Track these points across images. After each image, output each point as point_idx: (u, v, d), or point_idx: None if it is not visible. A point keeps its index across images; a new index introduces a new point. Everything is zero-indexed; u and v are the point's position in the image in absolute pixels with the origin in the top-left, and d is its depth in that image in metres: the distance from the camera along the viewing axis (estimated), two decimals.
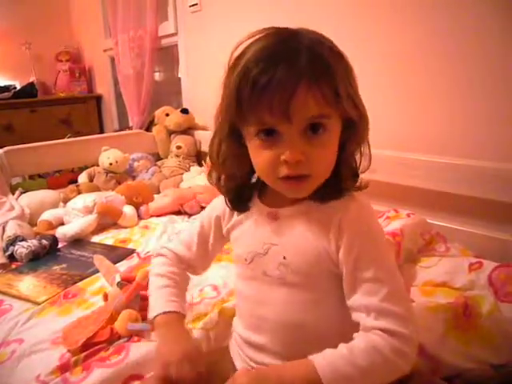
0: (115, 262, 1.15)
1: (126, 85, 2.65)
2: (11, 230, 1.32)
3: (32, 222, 1.48)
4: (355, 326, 0.53)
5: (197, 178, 1.85)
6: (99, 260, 1.13)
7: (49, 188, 1.82)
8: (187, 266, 0.73)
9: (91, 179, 1.89)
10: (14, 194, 1.70)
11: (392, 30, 1.25)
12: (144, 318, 0.84)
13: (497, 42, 1.03)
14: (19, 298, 1.02)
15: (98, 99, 3.34)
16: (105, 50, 3.04)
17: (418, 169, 1.15)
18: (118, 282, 0.92)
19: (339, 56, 0.55)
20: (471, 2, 1.07)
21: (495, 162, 1.02)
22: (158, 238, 1.34)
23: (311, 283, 0.58)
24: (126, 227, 1.46)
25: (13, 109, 2.95)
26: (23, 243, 1.24)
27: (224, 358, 0.69)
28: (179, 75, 2.43)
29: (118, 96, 2.95)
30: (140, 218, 1.54)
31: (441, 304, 0.76)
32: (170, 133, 2.17)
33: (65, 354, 0.78)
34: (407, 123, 1.27)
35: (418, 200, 1.19)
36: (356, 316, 0.54)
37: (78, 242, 1.35)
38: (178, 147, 2.07)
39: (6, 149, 1.83)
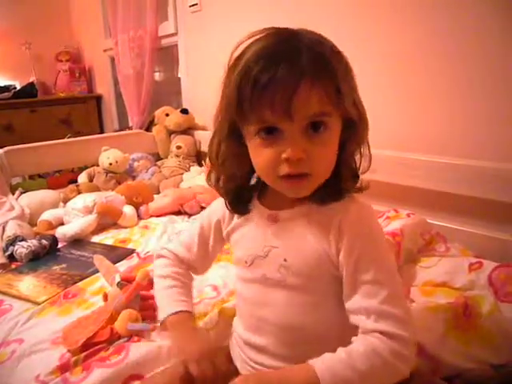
0: (115, 262, 1.15)
1: (126, 85, 2.65)
2: (11, 229, 1.32)
3: (32, 222, 1.48)
4: (355, 329, 0.53)
5: (197, 178, 1.85)
6: (99, 260, 1.13)
7: (49, 188, 1.82)
8: (188, 267, 0.74)
9: (91, 179, 1.89)
10: (13, 194, 1.70)
11: (392, 30, 1.25)
12: (144, 318, 0.85)
13: (497, 42, 1.03)
14: (19, 298, 1.02)
15: (98, 99, 3.34)
16: (105, 50, 3.04)
17: (418, 169, 1.15)
18: (118, 282, 0.92)
19: (339, 55, 0.55)
20: (471, 2, 1.07)
21: (495, 162, 1.02)
22: (157, 238, 1.34)
23: (311, 285, 0.58)
24: (125, 227, 1.46)
25: (13, 109, 2.95)
26: (23, 243, 1.24)
27: (224, 358, 0.69)
28: (179, 75, 2.43)
29: (118, 96, 2.95)
30: (140, 218, 1.54)
31: (441, 304, 0.76)
32: (170, 133, 2.17)
33: (65, 354, 0.78)
34: (407, 123, 1.27)
35: (418, 200, 1.19)
36: (355, 319, 0.53)
37: (77, 242, 1.35)
38: (178, 147, 2.07)
39: (6, 149, 1.83)
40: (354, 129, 0.57)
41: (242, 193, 0.64)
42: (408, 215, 1.06)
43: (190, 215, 1.55)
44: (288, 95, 0.50)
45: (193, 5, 2.07)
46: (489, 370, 0.69)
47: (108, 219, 1.46)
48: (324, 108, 0.52)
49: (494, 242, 1.02)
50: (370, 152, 0.60)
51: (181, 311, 0.66)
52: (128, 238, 1.37)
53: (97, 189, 1.77)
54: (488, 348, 0.70)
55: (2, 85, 3.07)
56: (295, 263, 0.58)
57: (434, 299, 0.81)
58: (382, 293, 0.52)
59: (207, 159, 0.64)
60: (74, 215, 1.44)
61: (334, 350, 0.51)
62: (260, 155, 0.55)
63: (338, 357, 0.50)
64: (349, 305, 0.54)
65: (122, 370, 0.70)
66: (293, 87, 0.50)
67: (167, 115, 2.19)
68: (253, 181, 0.64)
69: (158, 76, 2.80)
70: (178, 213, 1.58)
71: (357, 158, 0.59)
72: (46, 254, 1.25)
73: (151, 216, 1.55)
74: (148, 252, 1.23)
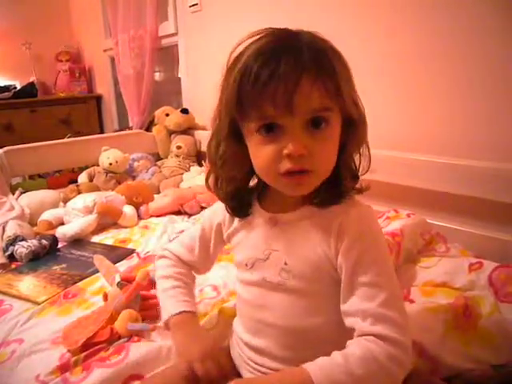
0: (115, 262, 1.15)
1: (126, 85, 2.65)
2: (11, 229, 1.32)
3: (32, 222, 1.48)
4: (353, 332, 0.53)
5: (197, 177, 1.85)
6: (99, 260, 1.13)
7: (49, 188, 1.82)
8: (190, 268, 0.74)
9: (91, 179, 1.89)
10: (14, 193, 1.70)
11: (392, 30, 1.25)
12: (144, 318, 0.85)
13: (497, 42, 1.03)
14: (19, 297, 1.02)
15: (98, 99, 3.33)
16: (105, 50, 3.04)
17: (418, 169, 1.15)
18: (118, 282, 0.92)
19: (338, 55, 0.55)
20: (471, 2, 1.07)
21: (495, 162, 1.02)
22: (157, 238, 1.33)
23: (312, 289, 0.58)
24: (125, 227, 1.46)
25: (13, 109, 2.95)
26: (23, 243, 1.24)
27: (227, 358, 0.69)
28: (179, 75, 2.43)
29: (118, 96, 2.95)
30: (140, 217, 1.54)
31: (441, 304, 0.76)
32: (170, 133, 2.17)
33: (65, 354, 0.78)
34: (407, 123, 1.27)
35: (418, 200, 1.19)
36: (351, 321, 0.53)
37: (77, 241, 1.35)
38: (178, 147, 2.07)
39: (5, 149, 1.83)
40: (353, 128, 0.57)
41: (241, 196, 0.64)
42: (408, 215, 1.06)
43: (190, 215, 1.55)
44: (290, 89, 0.50)
45: (193, 5, 2.08)
46: (489, 370, 0.69)
47: (108, 219, 1.46)
48: (325, 103, 0.52)
49: (493, 242, 1.02)
50: (369, 152, 0.59)
51: (184, 311, 0.66)
52: (128, 238, 1.37)
53: (97, 189, 1.77)
54: (488, 348, 0.70)
55: (2, 85, 3.07)
56: (296, 266, 0.58)
57: (434, 299, 0.81)
58: (381, 295, 0.51)
59: (207, 161, 0.64)
60: (74, 215, 1.44)
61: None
62: (260, 152, 0.55)
63: (334, 360, 0.49)
64: (345, 307, 0.54)
65: (122, 370, 0.70)
66: (294, 81, 0.50)
67: (167, 115, 2.18)
68: (252, 182, 0.64)
69: (158, 76, 2.80)
70: (178, 213, 1.57)
71: (356, 158, 0.59)
72: (46, 254, 1.25)
73: (151, 216, 1.55)
74: (148, 252, 1.23)
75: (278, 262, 0.59)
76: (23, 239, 1.27)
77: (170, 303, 0.68)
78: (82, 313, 0.91)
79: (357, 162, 0.60)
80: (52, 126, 2.99)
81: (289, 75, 0.50)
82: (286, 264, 0.58)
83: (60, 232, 1.36)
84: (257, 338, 0.62)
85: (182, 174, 1.97)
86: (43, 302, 0.99)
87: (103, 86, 3.25)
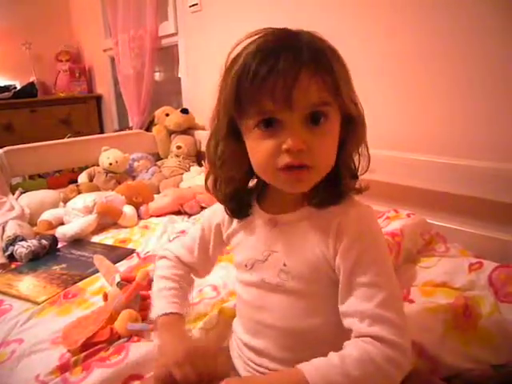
0: (115, 262, 1.15)
1: (126, 85, 2.65)
2: (11, 229, 1.32)
3: (32, 222, 1.48)
4: (351, 332, 0.52)
5: (197, 177, 1.85)
6: (99, 260, 1.13)
7: (49, 188, 1.82)
8: (189, 270, 0.74)
9: (91, 179, 1.89)
10: (13, 193, 1.70)
11: (392, 30, 1.25)
12: (144, 318, 0.85)
13: (497, 42, 1.03)
14: (19, 297, 1.02)
15: (98, 99, 3.34)
16: (105, 50, 3.04)
17: (418, 169, 1.15)
18: (118, 282, 0.92)
19: (338, 55, 0.55)
20: (471, 2, 1.07)
21: (495, 162, 1.02)
22: (157, 238, 1.34)
23: (310, 290, 0.58)
24: (125, 227, 1.46)
25: (13, 109, 2.95)
26: (23, 243, 1.24)
27: (223, 358, 0.69)
28: (179, 75, 2.43)
29: (118, 96, 2.95)
30: (140, 217, 1.54)
31: (441, 304, 0.76)
32: (170, 133, 2.17)
33: (65, 354, 0.78)
34: (407, 123, 1.27)
35: (418, 200, 1.19)
36: (349, 322, 0.52)
37: (77, 241, 1.35)
38: (178, 147, 2.07)
39: (5, 149, 1.83)
40: (353, 127, 0.57)
41: (240, 197, 0.63)
42: (408, 215, 1.06)
43: (189, 215, 1.55)
44: (289, 84, 0.50)
45: (193, 5, 2.07)
46: (488, 370, 0.69)
47: (108, 219, 1.46)
48: (323, 97, 0.52)
49: (493, 242, 1.02)
50: (368, 152, 0.59)
51: (171, 313, 0.65)
52: (128, 238, 1.37)
53: (97, 189, 1.77)
54: (488, 348, 0.70)
55: (2, 85, 3.07)
56: (295, 268, 0.58)
57: (433, 299, 0.81)
58: (379, 296, 0.51)
59: (206, 161, 0.64)
60: (74, 215, 1.44)
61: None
62: (259, 147, 0.54)
63: (330, 361, 0.49)
64: (344, 308, 0.53)
65: (122, 370, 0.70)
66: (293, 76, 0.50)
67: (167, 115, 2.19)
68: (251, 183, 0.64)
69: (158, 76, 2.80)
70: (178, 213, 1.57)
71: (355, 159, 0.59)
72: (45, 254, 1.25)
73: (151, 216, 1.55)
74: (148, 252, 1.23)
75: (277, 263, 0.59)
76: (23, 239, 1.27)
77: (160, 303, 0.67)
78: (82, 313, 0.91)
79: (356, 163, 0.59)
80: (52, 126, 2.99)
81: (288, 70, 0.50)
82: (284, 265, 0.58)
83: (60, 232, 1.36)
84: (256, 339, 0.62)
85: (182, 173, 1.97)
86: (43, 301, 0.99)
87: (103, 86, 3.25)
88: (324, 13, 1.43)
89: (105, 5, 2.80)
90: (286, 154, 0.52)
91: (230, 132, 0.57)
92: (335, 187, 0.57)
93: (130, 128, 2.58)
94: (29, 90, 3.09)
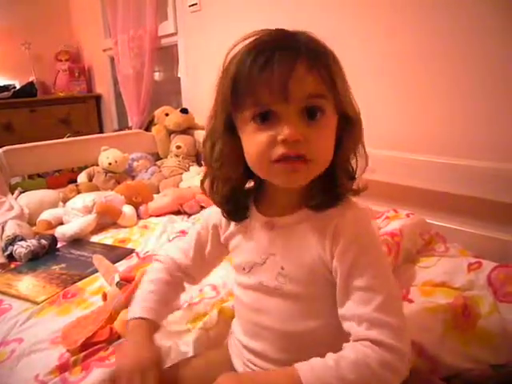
0: (114, 262, 1.15)
1: (126, 85, 2.65)
2: (10, 229, 1.32)
3: (31, 222, 1.48)
4: (349, 335, 0.52)
5: (196, 177, 1.85)
6: (98, 260, 1.13)
7: (48, 188, 1.82)
8: (184, 275, 0.72)
9: (90, 179, 1.89)
10: (13, 193, 1.70)
11: (392, 30, 1.25)
12: None
13: (497, 42, 1.03)
14: (18, 297, 1.02)
15: (98, 99, 3.33)
16: (104, 50, 3.03)
17: (418, 169, 1.15)
18: (117, 282, 0.92)
19: (334, 55, 0.56)
20: (471, 2, 1.07)
21: (495, 162, 1.02)
22: (157, 238, 1.33)
23: (308, 292, 0.57)
24: (125, 227, 1.46)
25: (12, 108, 2.94)
26: (22, 243, 1.23)
27: (223, 358, 0.69)
28: (179, 75, 2.43)
29: (118, 96, 2.95)
30: (139, 217, 1.54)
31: (440, 304, 0.76)
32: (170, 133, 2.17)
33: (64, 354, 0.78)
34: (407, 123, 1.27)
35: (418, 200, 1.19)
36: (347, 325, 0.52)
37: (77, 241, 1.35)
38: (178, 147, 2.07)
39: (5, 148, 1.83)
40: (350, 126, 0.56)
41: (237, 198, 0.62)
42: (407, 215, 1.06)
43: (189, 215, 1.55)
44: (285, 75, 0.50)
45: (192, 4, 2.07)
46: (488, 370, 0.69)
47: (107, 219, 1.46)
48: (319, 89, 0.52)
49: (493, 242, 1.02)
50: (365, 152, 0.59)
51: (142, 318, 0.64)
52: (127, 238, 1.37)
53: (96, 188, 1.77)
54: (487, 348, 0.70)
55: (2, 84, 3.06)
56: (292, 271, 0.57)
57: (433, 299, 0.81)
58: (377, 299, 0.50)
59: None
60: (73, 215, 1.44)
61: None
62: (254, 140, 0.54)
63: (326, 363, 0.48)
64: (342, 311, 0.53)
65: None
66: (289, 67, 0.50)
67: (167, 115, 2.18)
68: (248, 185, 0.64)
69: (157, 76, 2.80)
70: (178, 212, 1.57)
71: (353, 160, 0.59)
72: (45, 254, 1.25)
73: (151, 216, 1.55)
74: (147, 252, 1.23)
75: (274, 266, 0.59)
76: (22, 239, 1.27)
77: (137, 306, 0.67)
78: (82, 312, 0.91)
79: (353, 165, 0.59)
80: (51, 125, 2.99)
81: (284, 62, 0.50)
82: (282, 268, 0.58)
83: (59, 232, 1.36)
84: (254, 341, 0.62)
85: (182, 173, 1.97)
86: (42, 301, 0.99)
87: (103, 86, 3.25)
88: (324, 13, 1.43)
89: (104, 5, 2.80)
90: (281, 144, 0.51)
91: (226, 129, 0.57)
92: (332, 189, 0.56)
93: (130, 128, 2.58)
94: (28, 90, 3.09)
